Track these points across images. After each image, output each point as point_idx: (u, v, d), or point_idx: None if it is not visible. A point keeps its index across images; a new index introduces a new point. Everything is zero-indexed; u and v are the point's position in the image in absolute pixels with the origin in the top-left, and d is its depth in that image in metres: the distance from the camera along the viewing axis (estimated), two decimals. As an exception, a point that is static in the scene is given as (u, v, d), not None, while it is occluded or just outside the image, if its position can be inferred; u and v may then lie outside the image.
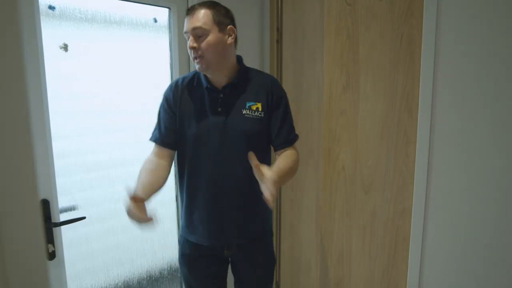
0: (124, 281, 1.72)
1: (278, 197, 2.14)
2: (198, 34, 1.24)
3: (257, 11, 2.05)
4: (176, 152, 1.41)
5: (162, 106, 1.40)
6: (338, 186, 1.79)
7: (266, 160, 1.41)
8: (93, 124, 1.54)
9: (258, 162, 1.10)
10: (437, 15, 1.33)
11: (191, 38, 1.25)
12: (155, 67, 1.75)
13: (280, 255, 2.18)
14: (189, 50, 1.27)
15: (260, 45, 2.09)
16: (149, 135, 1.41)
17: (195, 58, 1.27)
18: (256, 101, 1.34)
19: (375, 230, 1.67)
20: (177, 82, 1.40)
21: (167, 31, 1.76)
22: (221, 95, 1.33)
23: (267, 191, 1.06)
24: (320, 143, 1.83)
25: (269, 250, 1.53)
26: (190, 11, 1.27)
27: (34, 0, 1.27)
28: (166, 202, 1.84)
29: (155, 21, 1.71)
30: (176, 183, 1.84)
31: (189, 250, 1.45)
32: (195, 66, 1.29)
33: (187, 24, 1.26)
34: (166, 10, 1.74)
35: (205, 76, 1.34)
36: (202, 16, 1.25)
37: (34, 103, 1.28)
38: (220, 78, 1.34)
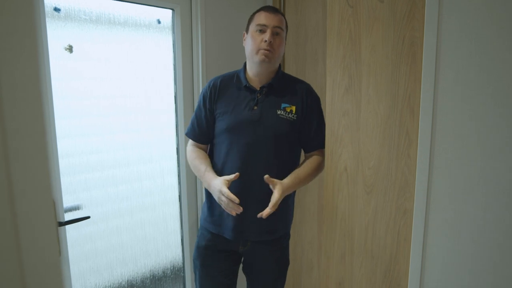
0: (127, 280, 1.73)
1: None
2: (276, 32, 1.38)
3: (259, 12, 2.05)
4: (209, 144, 1.54)
5: (198, 103, 1.51)
6: (340, 186, 1.80)
7: (292, 162, 1.48)
8: (97, 125, 1.55)
9: (268, 177, 1.33)
10: (439, 17, 1.34)
11: (270, 32, 1.36)
12: (159, 68, 1.76)
13: (282, 255, 2.19)
14: (261, 41, 1.36)
15: (262, 46, 2.09)
16: (186, 128, 1.57)
17: (265, 50, 1.36)
18: (291, 103, 1.44)
19: (376, 231, 1.68)
20: (215, 80, 1.50)
21: (170, 32, 1.77)
22: (258, 95, 1.42)
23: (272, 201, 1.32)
24: (322, 143, 1.84)
25: (285, 253, 1.55)
26: (272, 10, 1.40)
27: (40, 2, 1.28)
28: (169, 202, 1.85)
29: (159, 22, 1.72)
30: (179, 183, 1.85)
31: (206, 241, 1.49)
32: (256, 57, 1.38)
33: (269, 20, 1.37)
34: (170, 11, 1.75)
35: (245, 75, 1.46)
36: (281, 19, 1.41)
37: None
38: (261, 77, 1.43)
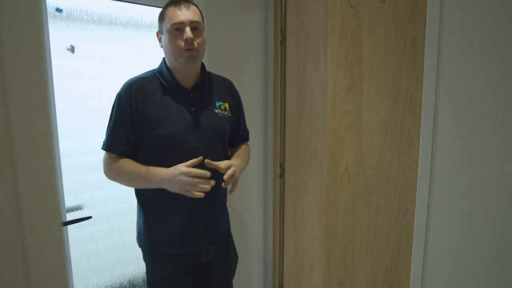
0: (129, 280, 1.74)
1: (282, 197, 2.16)
2: (195, 27, 1.25)
3: (261, 13, 2.06)
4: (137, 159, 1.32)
5: (115, 114, 1.28)
6: (341, 186, 1.80)
7: (227, 157, 1.45)
8: (99, 125, 1.55)
9: (215, 163, 1.25)
10: (440, 17, 1.34)
11: (188, 29, 1.23)
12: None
13: (283, 255, 2.19)
14: (181, 42, 1.23)
15: (264, 46, 2.10)
16: (102, 142, 1.30)
17: (189, 50, 1.24)
18: (224, 101, 1.41)
19: (378, 231, 1.68)
20: (132, 85, 1.29)
21: (172, 33, 1.77)
22: (192, 95, 1.33)
23: (226, 173, 1.24)
24: (323, 144, 1.84)
25: (235, 249, 1.57)
26: (182, 3, 1.25)
27: (42, 2, 1.28)
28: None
29: (160, 22, 1.73)
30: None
31: (170, 271, 1.36)
32: (181, 60, 1.26)
33: (184, 16, 1.23)
34: (171, 12, 1.75)
35: (172, 76, 1.31)
36: (197, 12, 1.28)
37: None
38: (190, 77, 1.34)
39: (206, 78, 1.39)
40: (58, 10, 1.39)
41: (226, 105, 1.42)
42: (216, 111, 1.38)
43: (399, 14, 1.50)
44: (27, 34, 1.24)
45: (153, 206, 1.34)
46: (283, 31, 2.01)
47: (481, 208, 1.31)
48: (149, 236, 1.36)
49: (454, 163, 1.36)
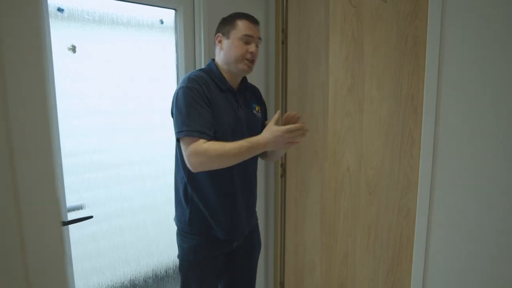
0: (130, 280, 1.74)
1: (283, 197, 2.15)
2: (258, 43, 1.43)
3: (262, 13, 2.06)
4: None
5: (195, 98, 1.31)
6: (342, 186, 1.80)
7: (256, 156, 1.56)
8: (100, 124, 1.56)
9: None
10: (442, 16, 1.34)
11: (254, 44, 1.41)
12: (162, 68, 1.77)
13: (284, 255, 2.19)
14: (246, 52, 1.39)
15: (265, 46, 2.10)
16: (181, 133, 1.30)
17: (249, 60, 1.40)
18: (257, 104, 1.58)
19: (379, 231, 1.68)
20: (199, 77, 1.37)
21: (173, 32, 1.77)
22: (238, 97, 1.48)
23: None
24: (325, 144, 1.84)
25: (259, 237, 1.69)
26: (255, 20, 1.43)
27: (43, 2, 1.29)
28: (172, 202, 1.85)
29: (162, 22, 1.73)
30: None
31: (205, 252, 1.47)
32: (240, 66, 1.40)
33: (255, 31, 1.41)
34: (173, 11, 1.75)
35: (223, 78, 1.44)
36: (260, 30, 1.46)
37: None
38: (236, 81, 1.49)
39: (246, 83, 1.54)
40: (60, 9, 1.40)
41: (258, 108, 1.58)
42: (254, 112, 1.53)
43: (400, 13, 1.50)
44: (28, 34, 1.24)
45: (201, 196, 1.44)
46: (284, 31, 2.01)
47: (483, 208, 1.30)
48: (193, 220, 1.46)
49: (456, 163, 1.36)
